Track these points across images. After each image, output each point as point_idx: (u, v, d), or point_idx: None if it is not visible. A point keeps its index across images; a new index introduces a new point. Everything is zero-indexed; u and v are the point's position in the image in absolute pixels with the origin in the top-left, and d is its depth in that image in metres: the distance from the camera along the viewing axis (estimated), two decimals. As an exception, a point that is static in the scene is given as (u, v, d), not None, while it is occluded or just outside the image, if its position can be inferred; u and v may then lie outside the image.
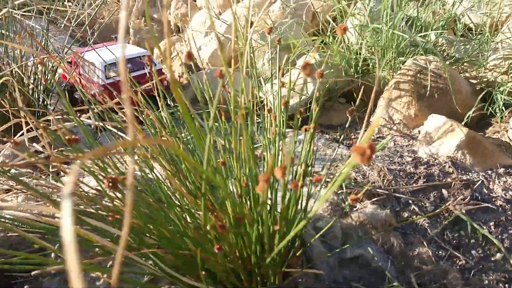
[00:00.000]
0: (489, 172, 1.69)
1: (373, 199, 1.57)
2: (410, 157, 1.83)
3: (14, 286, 1.34)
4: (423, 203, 1.59)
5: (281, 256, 1.02)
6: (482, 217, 1.53)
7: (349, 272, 1.39)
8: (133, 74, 2.41)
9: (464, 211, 1.51)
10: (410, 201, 1.60)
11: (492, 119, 2.07)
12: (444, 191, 1.62)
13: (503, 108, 1.87)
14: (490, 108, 2.00)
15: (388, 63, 2.29)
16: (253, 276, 1.05)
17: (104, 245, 0.78)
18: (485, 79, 2.27)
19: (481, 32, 2.52)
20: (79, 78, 2.54)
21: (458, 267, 1.38)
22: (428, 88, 1.95)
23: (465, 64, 2.40)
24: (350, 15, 2.44)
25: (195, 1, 4.36)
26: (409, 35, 2.26)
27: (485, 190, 1.62)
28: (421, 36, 2.35)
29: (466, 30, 2.70)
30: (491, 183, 1.65)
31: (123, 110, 1.17)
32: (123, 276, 1.33)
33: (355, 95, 2.43)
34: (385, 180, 1.67)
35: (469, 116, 1.96)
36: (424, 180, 1.66)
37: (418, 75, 2.13)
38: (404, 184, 1.66)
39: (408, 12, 2.52)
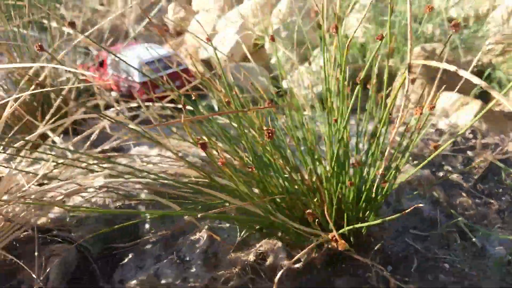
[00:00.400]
0: (502, 136, 1.99)
1: (413, 163, 1.82)
2: (432, 128, 2.10)
3: (116, 255, 1.46)
4: (454, 164, 1.85)
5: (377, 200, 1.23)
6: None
7: (406, 222, 1.62)
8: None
9: (493, 162, 1.78)
10: (443, 163, 1.86)
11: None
12: (469, 153, 1.89)
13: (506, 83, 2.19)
14: (493, 84, 2.31)
15: (397, 52, 2.57)
16: (349, 219, 1.25)
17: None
18: (480, 62, 2.60)
19: (466, 24, 2.86)
20: (108, 78, 2.64)
21: (494, 210, 1.64)
22: (437, 71, 2.23)
23: (459, 50, 2.73)
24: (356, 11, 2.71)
25: (191, 5, 4.52)
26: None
27: (503, 150, 1.91)
28: (420, 28, 2.66)
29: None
30: (505, 144, 1.94)
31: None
32: (220, 235, 1.49)
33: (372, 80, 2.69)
34: (418, 147, 1.93)
35: (475, 92, 2.27)
36: (451, 145, 1.94)
37: (427, 59, 2.42)
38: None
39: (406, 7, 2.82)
